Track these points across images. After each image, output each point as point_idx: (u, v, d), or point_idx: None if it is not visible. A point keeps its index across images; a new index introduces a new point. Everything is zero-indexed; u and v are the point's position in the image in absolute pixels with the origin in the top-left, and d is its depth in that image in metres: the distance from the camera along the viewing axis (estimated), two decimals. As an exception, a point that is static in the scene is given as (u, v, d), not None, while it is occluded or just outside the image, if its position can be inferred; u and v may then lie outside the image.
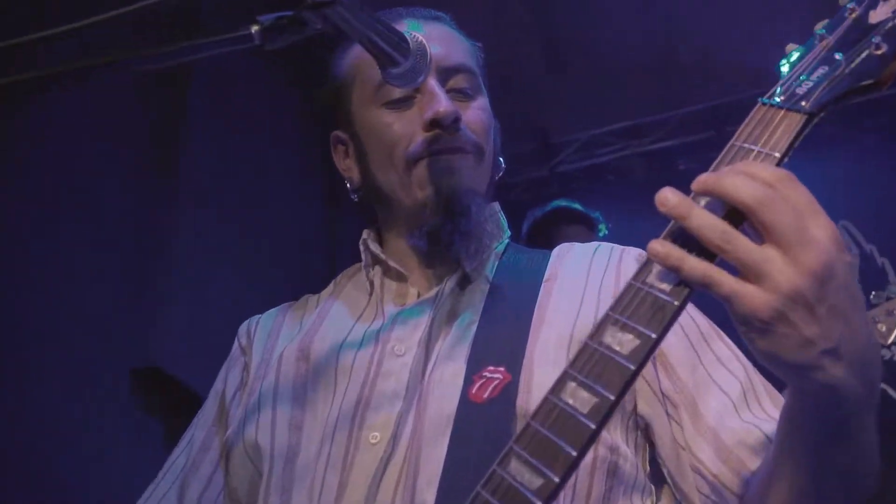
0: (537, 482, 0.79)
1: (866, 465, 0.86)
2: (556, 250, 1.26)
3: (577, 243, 1.29)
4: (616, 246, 1.23)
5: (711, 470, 1.01)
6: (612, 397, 0.79)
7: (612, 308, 0.83)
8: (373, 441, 1.04)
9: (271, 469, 1.08)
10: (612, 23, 3.86)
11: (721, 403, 1.05)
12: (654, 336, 0.79)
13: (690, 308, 1.15)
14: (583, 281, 1.16)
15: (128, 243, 2.31)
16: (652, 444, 1.09)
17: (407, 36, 1.05)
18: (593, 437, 0.78)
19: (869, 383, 0.77)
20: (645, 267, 0.83)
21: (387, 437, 1.03)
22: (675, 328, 1.09)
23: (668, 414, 1.06)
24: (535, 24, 3.98)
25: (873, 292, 2.93)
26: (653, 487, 1.09)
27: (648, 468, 1.10)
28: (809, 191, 0.76)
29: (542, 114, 4.45)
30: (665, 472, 1.08)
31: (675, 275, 0.79)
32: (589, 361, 0.82)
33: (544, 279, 1.18)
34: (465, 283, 1.20)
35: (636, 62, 4.02)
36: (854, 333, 0.75)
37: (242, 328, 1.31)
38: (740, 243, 0.73)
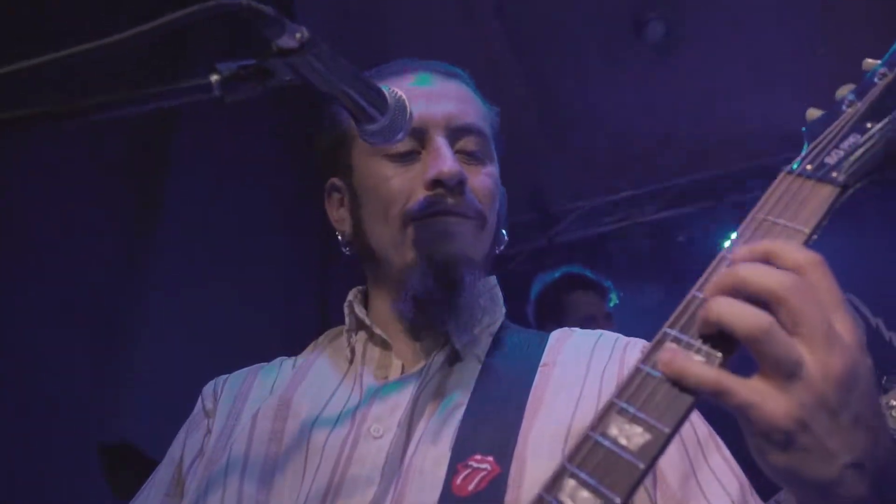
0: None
1: None
2: (554, 333, 1.18)
3: (577, 329, 1.20)
4: (621, 336, 1.14)
5: None
6: (618, 501, 0.69)
7: (618, 395, 0.73)
8: None
9: None
10: (611, 95, 3.85)
11: None
12: (667, 431, 0.70)
13: (696, 419, 1.06)
14: (583, 370, 1.07)
15: (97, 311, 2.22)
16: None
17: (386, 91, 0.98)
18: (595, 548, 0.68)
19: (884, 494, 0.68)
20: (654, 348, 0.74)
21: None
22: (676, 443, 1.00)
23: None
24: (535, 96, 3.97)
25: (885, 377, 2.88)
26: None
27: None
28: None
29: (541, 183, 4.42)
30: None
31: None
32: (591, 456, 0.72)
33: (541, 363, 1.09)
34: (454, 359, 1.11)
35: (635, 133, 4.01)
36: (878, 446, 0.66)
37: (208, 388, 1.21)
38: (781, 338, 0.63)
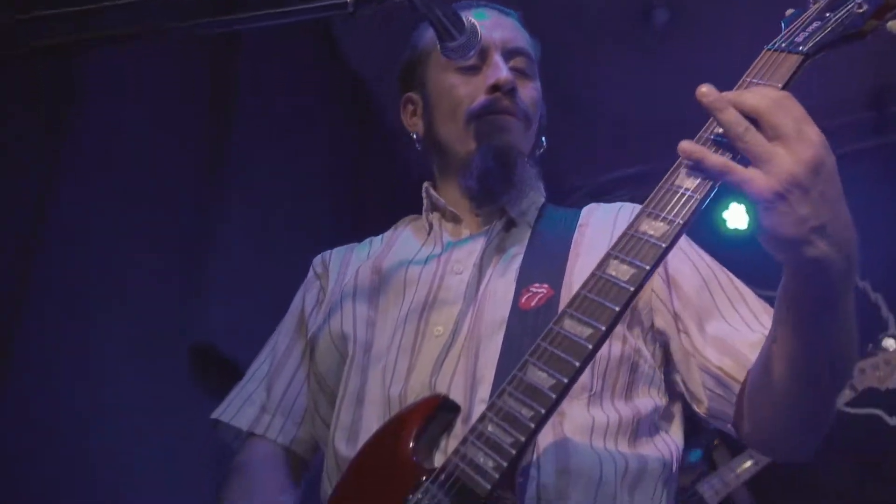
0: (587, 331, 0.99)
1: (847, 346, 1.04)
2: (584, 208, 1.48)
3: (602, 203, 1.50)
4: (638, 205, 1.44)
5: (716, 364, 1.19)
6: (648, 267, 0.99)
7: (646, 205, 1.04)
8: (436, 333, 1.24)
9: (353, 354, 1.28)
10: (621, 77, 4.10)
11: (725, 323, 1.23)
12: (680, 222, 1.00)
13: (707, 258, 1.35)
14: (611, 226, 1.37)
15: (182, 230, 2.49)
16: (668, 359, 1.28)
17: (463, 18, 1.28)
18: (632, 298, 0.99)
19: (848, 260, 0.95)
20: (673, 172, 1.05)
21: (448, 331, 1.23)
22: (689, 264, 1.31)
23: (678, 329, 1.25)
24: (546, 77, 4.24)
25: (870, 343, 3.13)
26: (666, 391, 1.27)
27: (663, 376, 1.28)
28: None
29: (547, 164, 4.68)
30: (678, 380, 1.26)
31: (698, 174, 1.01)
32: (628, 244, 1.03)
33: (578, 225, 1.39)
34: (510, 226, 1.41)
35: (644, 112, 4.27)
36: (837, 216, 0.94)
37: (317, 259, 1.52)
38: (756, 137, 0.92)
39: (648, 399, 1.22)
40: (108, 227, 2.25)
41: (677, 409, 1.28)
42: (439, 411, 1.11)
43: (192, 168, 2.61)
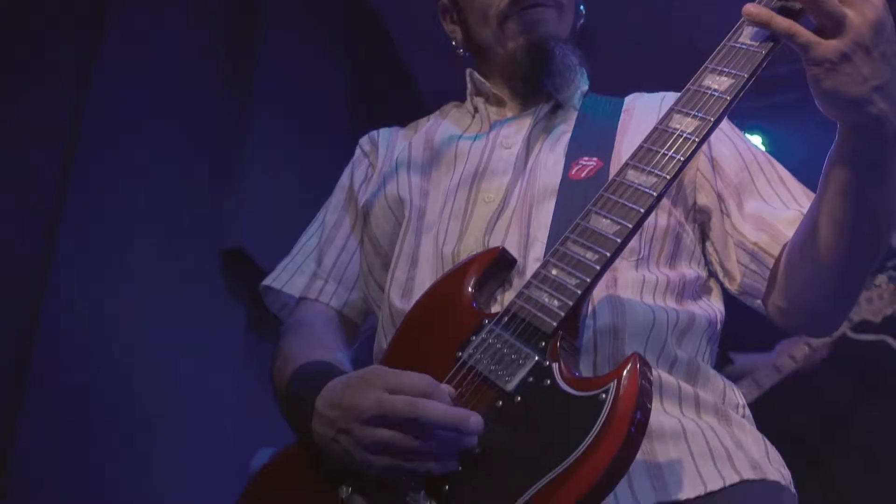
0: (651, 180, 1.02)
1: (889, 211, 1.07)
2: (628, 97, 1.49)
3: (645, 92, 1.51)
4: None
5: (751, 239, 1.22)
6: (712, 119, 1.02)
7: (710, 61, 1.06)
8: (487, 200, 1.26)
9: (409, 217, 1.30)
10: (635, 11, 4.08)
11: (763, 202, 1.26)
12: (745, 75, 1.02)
13: (748, 142, 1.37)
14: (656, 110, 1.38)
15: (214, 135, 2.50)
16: (705, 238, 1.31)
17: None
18: (697, 149, 1.01)
19: None
20: (736, 31, 1.06)
21: (499, 198, 1.26)
22: (731, 146, 1.33)
23: (720, 209, 1.28)
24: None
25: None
26: (706, 266, 1.30)
27: (703, 253, 1.31)
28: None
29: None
30: (714, 258, 1.29)
31: (761, 34, 1.02)
32: (691, 99, 1.05)
33: (623, 109, 1.40)
34: (556, 109, 1.42)
35: (657, 46, 4.25)
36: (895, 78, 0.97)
37: (363, 139, 1.53)
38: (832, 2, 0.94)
39: (691, 270, 1.25)
40: (139, 132, 2.25)
41: (715, 284, 1.32)
42: (497, 263, 1.14)
43: (222, 76, 2.61)
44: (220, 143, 2.53)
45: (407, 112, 1.75)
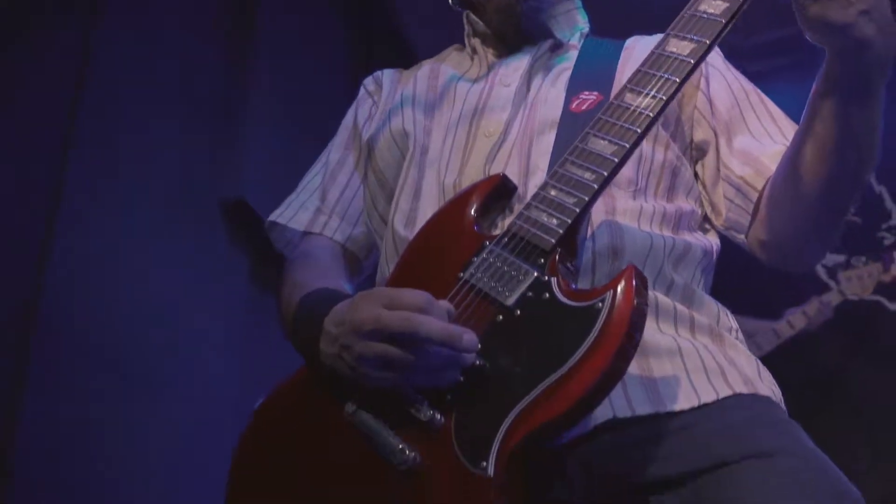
0: (647, 102, 1.05)
1: (873, 141, 1.09)
2: (628, 39, 1.50)
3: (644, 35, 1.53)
4: None
5: (737, 173, 1.25)
6: (708, 41, 1.04)
7: None
8: (487, 134, 1.28)
9: (413, 151, 1.33)
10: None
11: (751, 138, 1.28)
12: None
13: (742, 78, 1.39)
14: None
15: (212, 92, 2.51)
16: (697, 175, 1.33)
17: None
18: (692, 70, 1.04)
19: (887, 46, 1.01)
20: None
21: (499, 131, 1.28)
22: (724, 84, 1.35)
23: (714, 144, 1.30)
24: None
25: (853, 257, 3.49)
26: (702, 200, 1.33)
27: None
28: None
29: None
30: (703, 193, 1.32)
31: None
32: (687, 24, 1.08)
33: (624, 48, 1.42)
34: (555, 48, 1.44)
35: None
36: (881, 3, 0.99)
37: (368, 79, 1.55)
38: None
39: (687, 204, 1.28)
40: (141, 85, 2.26)
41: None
42: (498, 190, 1.16)
43: (223, 29, 2.61)
44: (221, 95, 2.54)
45: (404, 59, 1.77)
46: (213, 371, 2.36)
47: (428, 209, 1.24)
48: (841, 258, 3.58)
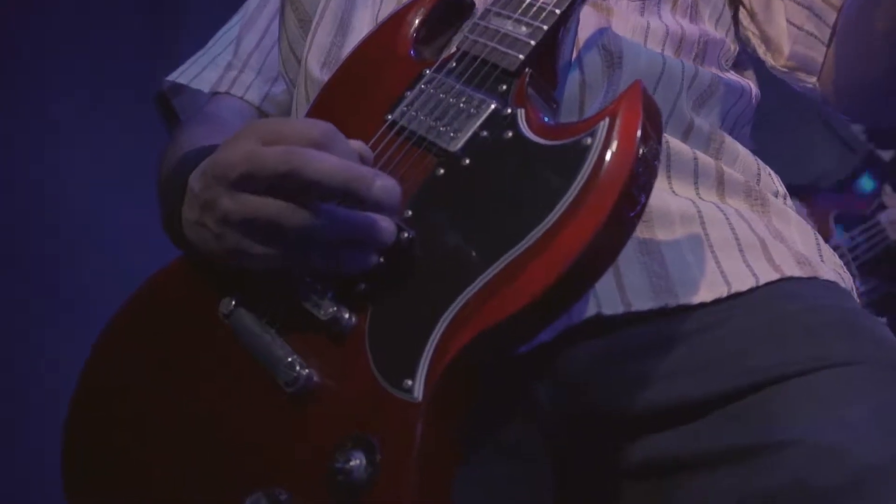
0: None
1: None
2: None
3: None
4: None
5: None
6: None
7: None
8: None
9: None
10: None
11: None
12: None
13: None
14: None
15: None
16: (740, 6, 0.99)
17: None
18: None
19: None
20: None
21: None
22: None
23: None
24: None
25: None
26: (736, 38, 0.99)
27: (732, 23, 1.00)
28: None
29: None
30: (752, 29, 0.97)
31: None
32: None
33: None
34: None
35: None
36: None
37: None
38: None
39: (716, 32, 0.94)
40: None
41: (750, 65, 1.01)
42: (446, 4, 0.82)
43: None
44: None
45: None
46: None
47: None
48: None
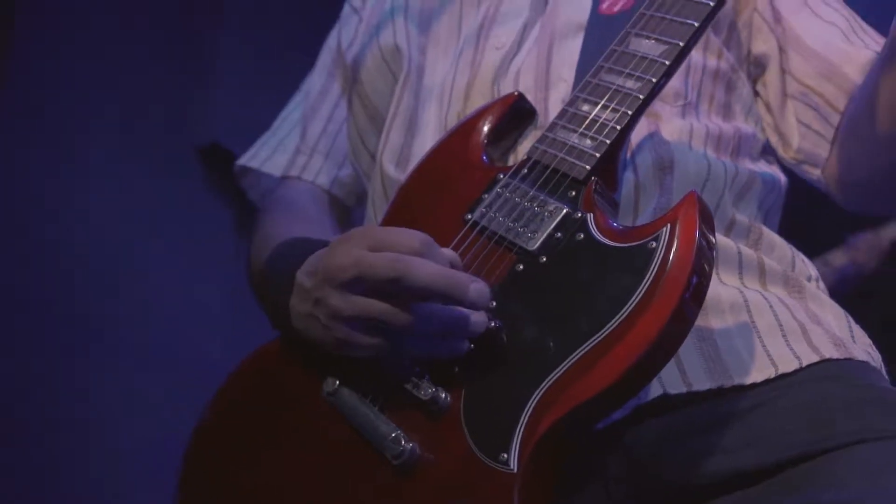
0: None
1: None
2: None
3: None
4: None
5: (815, 88, 1.01)
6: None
7: None
8: (497, 46, 1.04)
9: (407, 73, 1.09)
10: None
11: (827, 31, 1.04)
12: None
13: None
14: None
15: (179, 26, 2.28)
16: (760, 98, 1.10)
17: None
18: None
19: None
20: None
21: (511, 41, 1.03)
22: None
23: (778, 58, 1.06)
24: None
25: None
26: (764, 128, 1.09)
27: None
28: None
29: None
30: (768, 119, 1.07)
31: None
32: None
33: None
34: None
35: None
36: None
37: None
38: None
39: (747, 126, 1.04)
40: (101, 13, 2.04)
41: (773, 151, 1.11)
42: (512, 113, 0.93)
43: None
44: (186, 33, 2.30)
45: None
46: (197, 338, 2.14)
47: (425, 146, 1.00)
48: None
